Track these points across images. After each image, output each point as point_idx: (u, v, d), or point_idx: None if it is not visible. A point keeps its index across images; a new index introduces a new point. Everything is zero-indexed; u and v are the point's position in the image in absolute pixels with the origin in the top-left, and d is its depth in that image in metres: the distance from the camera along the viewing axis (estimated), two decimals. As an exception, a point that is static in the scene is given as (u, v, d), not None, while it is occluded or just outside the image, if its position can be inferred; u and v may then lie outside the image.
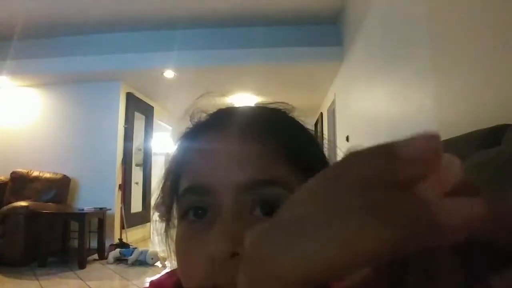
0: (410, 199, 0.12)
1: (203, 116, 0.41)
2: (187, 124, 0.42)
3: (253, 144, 0.34)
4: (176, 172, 0.39)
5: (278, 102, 0.42)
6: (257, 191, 0.32)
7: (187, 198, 0.35)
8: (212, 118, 0.40)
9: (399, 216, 0.12)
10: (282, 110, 0.41)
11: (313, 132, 0.42)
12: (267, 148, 0.34)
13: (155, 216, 0.44)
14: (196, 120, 0.41)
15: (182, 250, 0.34)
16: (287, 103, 0.42)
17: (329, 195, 0.13)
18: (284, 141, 0.35)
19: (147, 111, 5.79)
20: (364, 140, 3.21)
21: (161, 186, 0.42)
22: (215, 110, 0.41)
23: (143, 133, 5.75)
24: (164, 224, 0.41)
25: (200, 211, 0.34)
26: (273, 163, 0.34)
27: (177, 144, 0.41)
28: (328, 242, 0.11)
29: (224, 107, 0.41)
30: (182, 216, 0.35)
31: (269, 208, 0.32)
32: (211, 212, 0.33)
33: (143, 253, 3.91)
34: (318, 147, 0.41)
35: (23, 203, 3.87)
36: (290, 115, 0.41)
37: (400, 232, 0.11)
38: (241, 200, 0.32)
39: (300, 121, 0.41)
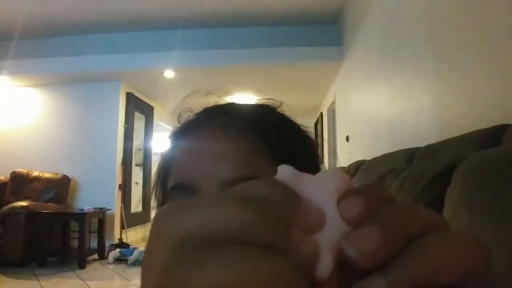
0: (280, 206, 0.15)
1: (191, 115, 0.42)
2: (176, 123, 0.43)
3: (235, 141, 0.35)
4: (164, 171, 0.40)
5: (267, 98, 0.42)
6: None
7: (174, 196, 0.36)
8: (198, 118, 0.41)
9: (259, 206, 0.14)
10: (270, 106, 0.41)
11: (303, 128, 0.41)
12: (250, 145, 0.35)
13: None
14: (184, 119, 0.42)
15: None
16: (274, 99, 0.42)
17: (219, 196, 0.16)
18: (268, 137, 0.36)
19: (147, 111, 5.79)
20: (364, 140, 3.21)
21: (153, 185, 0.42)
22: (201, 109, 0.42)
23: (143, 133, 5.75)
24: None
25: None
26: (255, 159, 0.34)
27: (167, 144, 0.42)
28: (203, 213, 0.15)
29: (211, 105, 0.41)
30: None
31: None
32: None
33: (143, 253, 3.91)
34: (307, 141, 0.40)
35: (23, 203, 3.87)
36: (277, 110, 0.41)
37: (253, 216, 0.14)
38: None
39: (288, 117, 0.40)
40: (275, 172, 0.28)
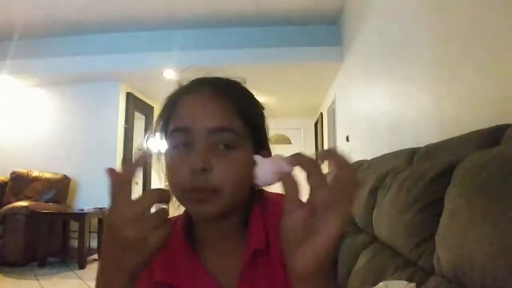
0: None
1: (186, 82, 0.60)
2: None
3: (219, 103, 0.54)
4: (166, 118, 0.58)
5: (235, 77, 0.62)
6: (220, 134, 0.52)
7: (176, 135, 0.54)
8: (191, 84, 0.59)
9: None
10: (237, 81, 0.61)
11: (257, 100, 0.61)
12: (227, 107, 0.54)
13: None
14: (181, 84, 0.61)
15: (172, 167, 0.54)
16: (241, 78, 0.62)
17: None
18: (238, 103, 0.55)
19: (147, 111, 5.79)
20: (364, 140, 3.21)
21: (155, 127, 0.60)
22: (193, 79, 0.60)
23: (143, 133, 5.75)
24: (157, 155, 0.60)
25: (183, 144, 0.53)
26: (230, 117, 0.54)
27: (166, 100, 0.60)
28: None
29: (200, 77, 0.60)
30: (172, 147, 0.54)
31: (226, 145, 0.52)
32: (190, 145, 0.53)
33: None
34: (260, 110, 0.61)
35: (23, 203, 3.87)
36: (243, 85, 0.61)
37: None
38: (210, 138, 0.52)
39: (249, 91, 0.61)
40: (241, 124, 0.54)
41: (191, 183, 0.51)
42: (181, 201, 0.55)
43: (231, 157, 0.52)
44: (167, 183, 0.55)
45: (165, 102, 0.60)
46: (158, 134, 0.60)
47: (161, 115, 0.60)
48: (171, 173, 0.54)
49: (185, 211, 0.61)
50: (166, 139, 0.57)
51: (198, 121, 0.52)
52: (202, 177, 0.50)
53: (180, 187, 0.52)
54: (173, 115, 0.56)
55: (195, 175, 0.50)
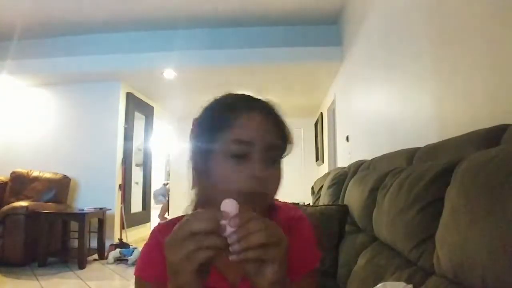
0: None
1: (231, 95, 0.69)
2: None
3: (273, 124, 0.64)
4: (217, 126, 0.63)
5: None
6: (273, 149, 0.62)
7: (237, 145, 0.60)
8: (245, 103, 0.66)
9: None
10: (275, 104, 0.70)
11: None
12: (278, 127, 0.65)
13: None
14: (219, 97, 0.68)
15: (232, 172, 0.60)
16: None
17: None
18: (282, 125, 0.66)
19: (147, 111, 5.79)
20: (364, 140, 3.21)
21: (194, 135, 0.67)
22: (237, 93, 0.70)
23: (143, 133, 5.75)
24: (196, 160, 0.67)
25: (239, 155, 0.60)
26: (279, 136, 0.64)
27: (206, 109, 0.67)
28: None
29: (242, 93, 0.70)
30: (226, 155, 0.61)
31: (274, 160, 0.63)
32: (248, 156, 0.60)
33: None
34: (288, 129, 0.69)
35: (23, 203, 3.87)
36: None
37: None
38: (266, 153, 0.61)
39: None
40: (282, 143, 0.65)
41: (251, 187, 0.59)
42: None
43: (277, 169, 0.63)
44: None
45: (212, 112, 0.66)
46: (194, 136, 0.66)
47: (207, 123, 0.65)
48: (230, 177, 0.60)
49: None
50: (215, 145, 0.62)
51: (260, 137, 0.61)
52: (261, 183, 0.59)
53: (237, 189, 0.59)
54: (231, 128, 0.61)
55: (256, 181, 0.59)
